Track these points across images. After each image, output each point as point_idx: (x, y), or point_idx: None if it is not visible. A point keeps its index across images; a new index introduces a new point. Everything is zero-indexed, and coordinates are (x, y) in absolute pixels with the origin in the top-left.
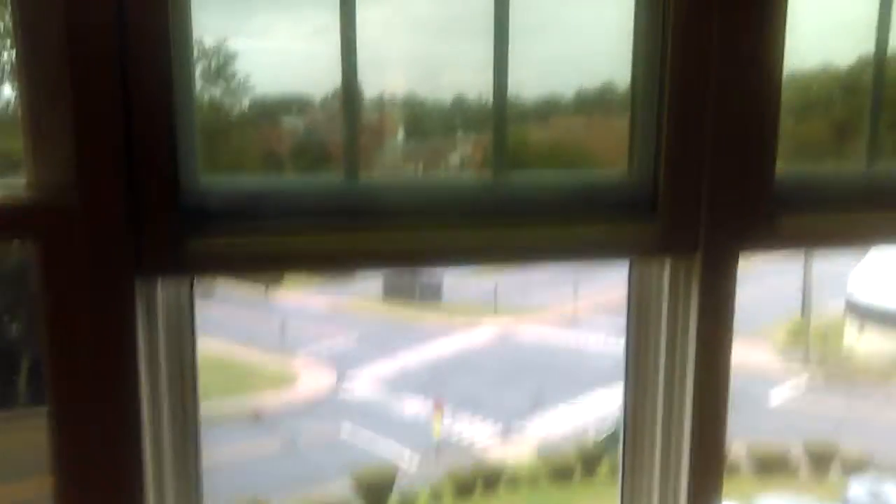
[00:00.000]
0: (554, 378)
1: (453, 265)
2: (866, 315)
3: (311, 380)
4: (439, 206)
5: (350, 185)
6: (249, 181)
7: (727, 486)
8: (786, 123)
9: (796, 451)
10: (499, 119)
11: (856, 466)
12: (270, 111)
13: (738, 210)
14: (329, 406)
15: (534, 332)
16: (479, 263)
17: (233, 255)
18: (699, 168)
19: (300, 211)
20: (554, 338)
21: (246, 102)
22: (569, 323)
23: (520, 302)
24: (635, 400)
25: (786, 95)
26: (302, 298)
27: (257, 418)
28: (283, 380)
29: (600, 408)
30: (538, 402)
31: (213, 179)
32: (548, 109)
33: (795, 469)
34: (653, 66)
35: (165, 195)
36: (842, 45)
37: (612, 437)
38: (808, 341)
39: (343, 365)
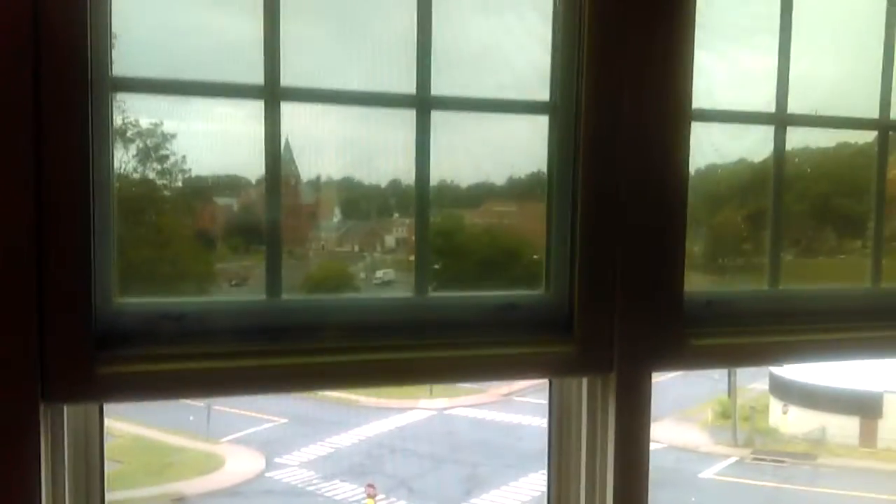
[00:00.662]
0: (489, 459)
1: (373, 386)
2: (789, 393)
3: (238, 464)
4: (360, 326)
5: (271, 303)
6: (165, 302)
7: None
8: (692, 247)
9: None
10: (421, 241)
11: None
12: (205, 191)
13: (650, 330)
14: (257, 492)
15: (469, 413)
16: (400, 384)
17: (144, 381)
18: (612, 289)
19: (219, 331)
20: (489, 418)
21: (179, 183)
22: (504, 404)
23: (455, 383)
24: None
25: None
26: None
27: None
28: (210, 465)
29: (533, 490)
30: (474, 484)
31: (127, 301)
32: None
33: None
34: (565, 191)
35: (75, 319)
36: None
37: None
38: (735, 420)
39: (272, 449)
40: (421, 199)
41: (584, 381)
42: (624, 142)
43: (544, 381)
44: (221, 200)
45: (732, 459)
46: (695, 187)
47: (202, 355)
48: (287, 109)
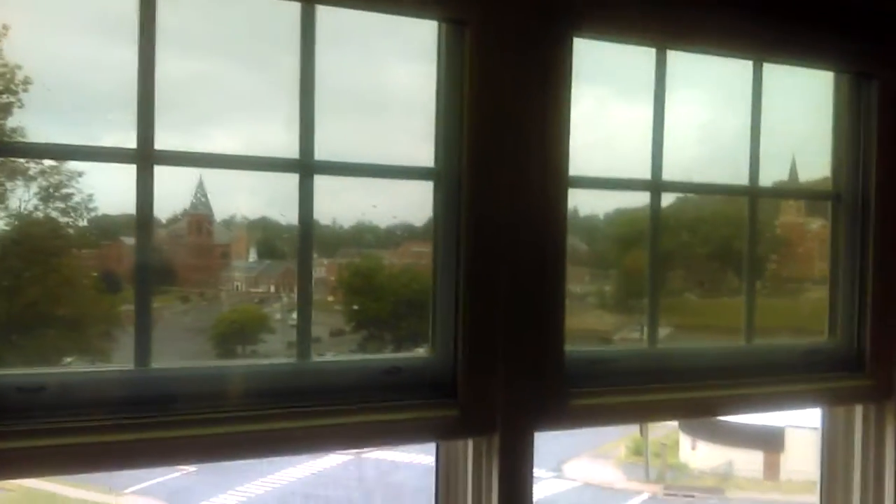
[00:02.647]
0: (407, 500)
1: (251, 458)
2: (698, 430)
3: None
4: (240, 393)
5: (140, 374)
6: (29, 373)
7: None
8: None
9: None
10: (303, 294)
11: None
12: (112, 230)
13: (533, 392)
14: None
15: (387, 455)
16: (279, 454)
17: (9, 458)
18: (494, 352)
19: (84, 403)
20: (407, 461)
21: (84, 221)
22: (424, 446)
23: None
24: None
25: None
26: None
27: None
28: None
29: None
30: None
31: None
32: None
33: None
34: (449, 255)
35: None
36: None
37: None
38: (647, 456)
39: (179, 499)
40: (303, 263)
41: (470, 442)
42: (504, 208)
43: None
44: (128, 240)
45: (646, 495)
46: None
47: (59, 431)
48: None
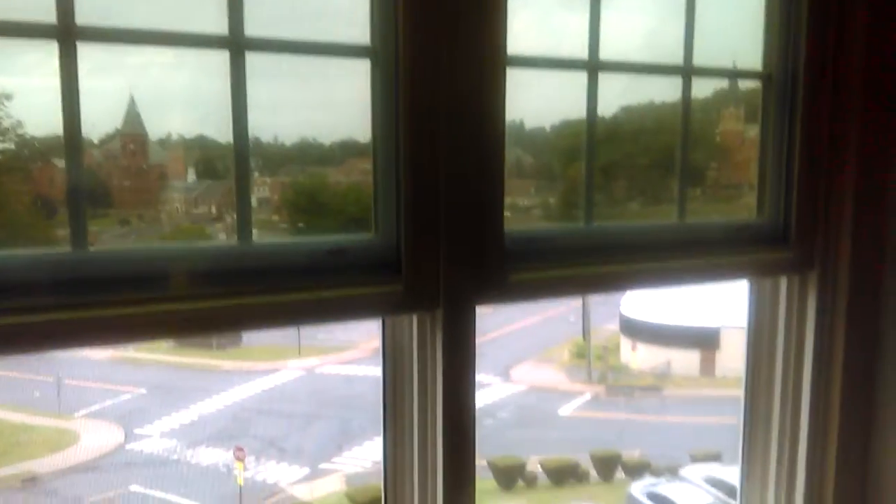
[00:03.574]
0: (361, 414)
1: (193, 335)
2: (638, 332)
3: (95, 439)
4: (180, 275)
5: (77, 255)
6: None
7: (528, 499)
8: (513, 184)
9: (585, 461)
10: (241, 181)
11: (636, 469)
12: (42, 153)
13: (473, 268)
14: (116, 465)
15: (340, 370)
16: (222, 331)
17: None
18: (436, 230)
19: (18, 285)
20: (361, 374)
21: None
22: (373, 359)
23: (324, 341)
24: (395, 441)
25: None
26: (80, 352)
27: (33, 484)
28: (63, 442)
29: None
30: (346, 439)
31: None
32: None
33: (585, 476)
34: (389, 137)
35: None
36: (563, 112)
37: None
38: (590, 359)
39: (131, 421)
40: (239, 138)
41: (415, 319)
42: (442, 88)
43: None
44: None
45: (588, 396)
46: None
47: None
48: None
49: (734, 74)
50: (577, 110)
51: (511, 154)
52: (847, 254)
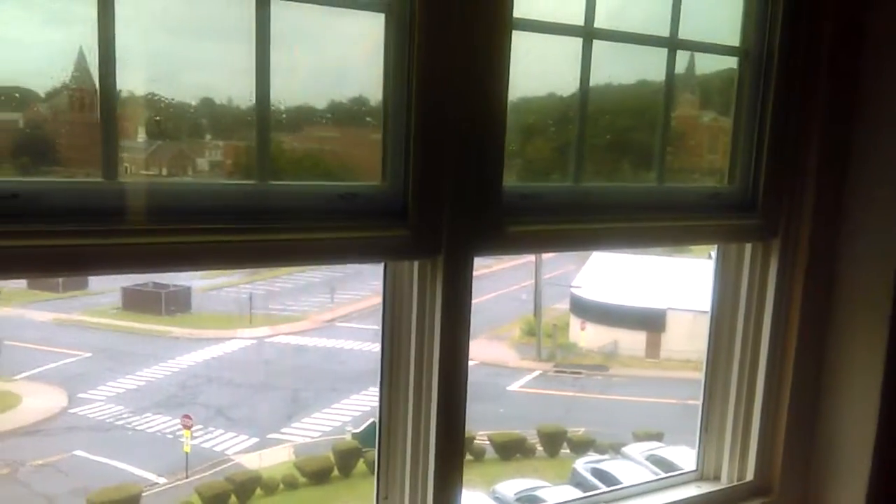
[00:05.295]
0: (311, 384)
1: (211, 267)
2: (587, 312)
3: (37, 402)
4: (199, 210)
5: (108, 185)
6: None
7: (475, 472)
8: (513, 145)
9: (532, 436)
10: (262, 126)
11: (581, 446)
12: None
13: (474, 219)
14: (59, 429)
15: (291, 340)
16: (238, 266)
17: None
18: (442, 182)
19: (56, 211)
20: (312, 344)
21: None
22: (327, 330)
23: (275, 311)
24: (390, 388)
25: (514, 120)
26: (22, 313)
27: None
28: (3, 404)
29: (355, 410)
30: (296, 408)
31: None
32: (302, 119)
33: (531, 451)
34: (401, 91)
35: None
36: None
37: (364, 436)
38: (540, 337)
39: (75, 385)
40: (261, 86)
41: (416, 265)
42: (453, 46)
43: (368, 307)
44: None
45: (537, 373)
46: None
47: (38, 233)
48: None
49: (714, 49)
50: (572, 77)
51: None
52: (808, 224)
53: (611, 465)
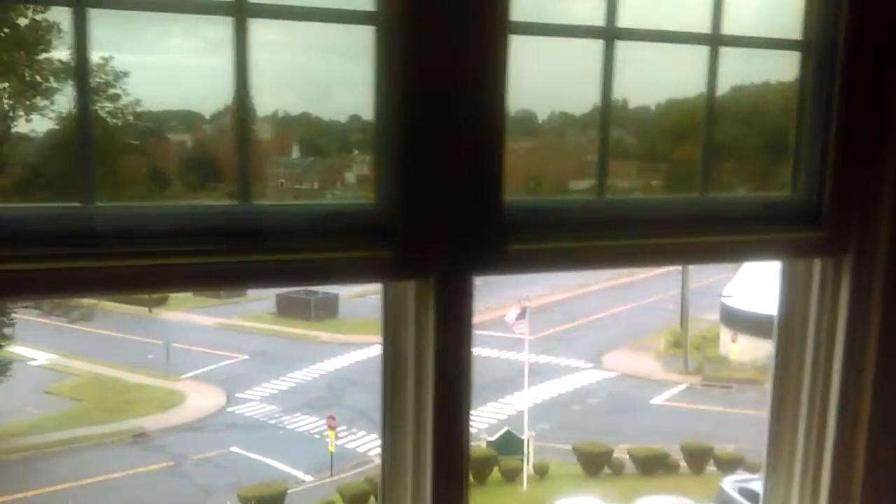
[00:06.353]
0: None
1: (188, 289)
2: (739, 323)
3: (199, 401)
4: (180, 232)
5: (85, 210)
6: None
7: (613, 487)
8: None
9: (675, 452)
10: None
11: (729, 464)
12: (159, 128)
13: (469, 237)
14: (219, 425)
15: None
16: (218, 287)
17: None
18: (435, 199)
19: (33, 236)
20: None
21: (133, 118)
22: (479, 339)
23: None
24: (392, 415)
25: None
26: (188, 318)
27: (143, 440)
28: (170, 401)
29: (492, 418)
30: None
31: None
32: None
33: (675, 468)
34: (393, 105)
35: None
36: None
37: (500, 443)
38: (686, 348)
39: (233, 385)
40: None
41: (413, 289)
42: (445, 53)
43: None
44: (176, 137)
45: (683, 386)
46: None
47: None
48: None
49: (768, 44)
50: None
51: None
52: (886, 238)
53: (760, 484)
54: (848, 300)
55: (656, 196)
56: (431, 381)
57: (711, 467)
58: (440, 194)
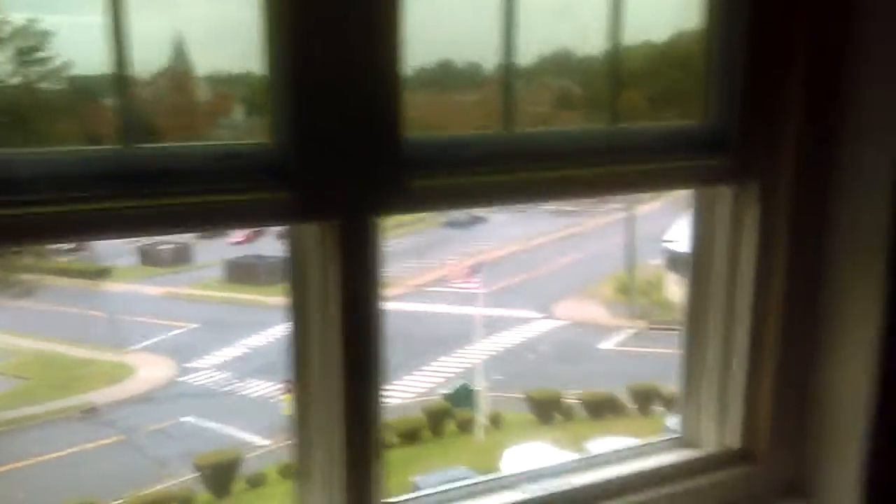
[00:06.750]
0: (403, 348)
1: (71, 240)
2: (681, 267)
3: (149, 372)
4: (63, 178)
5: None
6: None
7: (564, 431)
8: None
9: (623, 395)
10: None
11: (674, 403)
12: (90, 91)
13: (369, 176)
14: (170, 397)
15: (394, 306)
16: (102, 237)
17: None
18: (333, 137)
19: None
20: (402, 309)
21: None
22: (414, 295)
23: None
24: (302, 364)
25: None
26: (135, 289)
27: (93, 415)
28: (119, 375)
29: (447, 372)
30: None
31: None
32: None
33: (622, 409)
34: (280, 38)
35: None
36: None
37: (454, 396)
38: (632, 294)
39: (184, 354)
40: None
41: (316, 233)
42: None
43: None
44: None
45: (630, 331)
46: None
47: None
48: None
49: None
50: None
51: None
52: (792, 164)
53: None
54: (757, 225)
55: (564, 128)
56: (338, 328)
57: (658, 407)
58: (338, 133)
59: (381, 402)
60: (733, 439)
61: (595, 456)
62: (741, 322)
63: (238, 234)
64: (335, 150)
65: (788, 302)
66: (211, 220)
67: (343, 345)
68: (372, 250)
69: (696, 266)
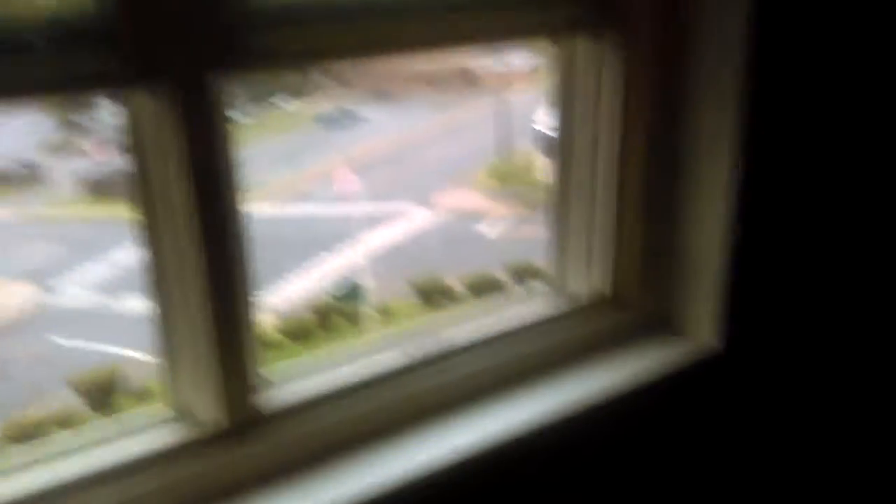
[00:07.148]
0: (285, 251)
1: None
2: (551, 147)
3: (11, 300)
4: None
5: None
6: None
7: (449, 313)
8: None
9: (502, 275)
10: None
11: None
12: None
13: (203, 33)
14: (38, 323)
15: (256, 209)
16: None
17: None
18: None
19: None
20: (278, 212)
21: None
22: (296, 198)
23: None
24: (153, 256)
25: None
26: None
27: None
28: None
29: (332, 271)
30: (271, 275)
31: None
32: None
33: (502, 288)
34: None
35: None
36: None
37: (346, 293)
38: (507, 178)
39: (48, 278)
40: None
41: (149, 98)
42: None
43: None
44: None
45: (508, 216)
46: None
47: None
48: None
49: None
50: None
51: None
52: (647, 12)
53: None
54: (612, 81)
55: None
56: (187, 202)
57: (536, 282)
58: None
59: (249, 299)
60: (603, 287)
61: (468, 313)
62: (602, 164)
63: (93, 150)
64: (166, 9)
65: (651, 142)
66: (33, 91)
67: (199, 230)
68: (217, 116)
69: (562, 125)
